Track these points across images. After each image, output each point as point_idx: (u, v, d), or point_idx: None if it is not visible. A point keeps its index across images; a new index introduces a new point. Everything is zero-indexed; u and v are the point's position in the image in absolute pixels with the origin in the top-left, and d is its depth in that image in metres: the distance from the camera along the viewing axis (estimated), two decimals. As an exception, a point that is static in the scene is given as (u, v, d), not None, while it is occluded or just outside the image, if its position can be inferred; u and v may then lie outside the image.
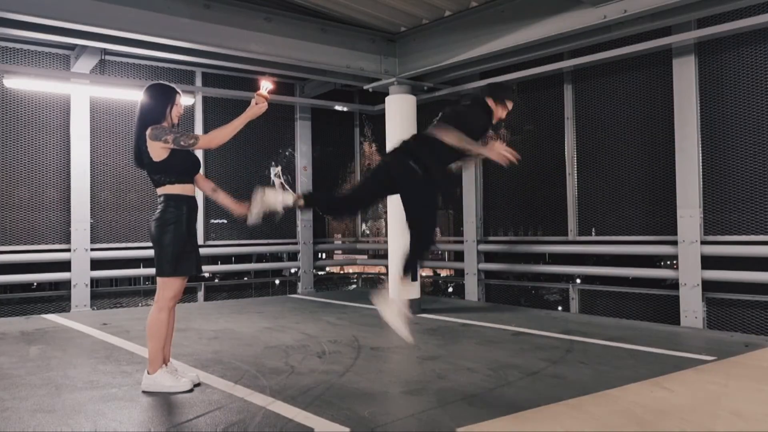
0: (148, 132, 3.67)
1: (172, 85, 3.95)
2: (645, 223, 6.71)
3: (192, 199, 3.84)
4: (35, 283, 7.64)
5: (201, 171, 4.02)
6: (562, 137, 7.44)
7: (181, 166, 3.77)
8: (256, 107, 3.82)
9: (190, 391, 3.77)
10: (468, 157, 4.02)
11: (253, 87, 8.82)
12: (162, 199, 3.76)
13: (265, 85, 3.88)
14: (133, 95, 7.69)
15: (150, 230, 3.78)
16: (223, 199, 4.10)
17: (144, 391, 3.76)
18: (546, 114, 7.68)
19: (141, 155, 3.77)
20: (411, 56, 7.28)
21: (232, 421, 3.24)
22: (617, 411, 3.30)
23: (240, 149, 9.02)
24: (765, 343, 5.21)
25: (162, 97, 3.82)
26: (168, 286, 3.77)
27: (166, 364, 3.85)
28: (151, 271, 8.40)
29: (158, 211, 3.74)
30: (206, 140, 3.74)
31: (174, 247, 3.69)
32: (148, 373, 3.81)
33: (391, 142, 7.39)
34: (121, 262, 7.96)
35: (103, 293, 8.00)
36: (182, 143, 3.66)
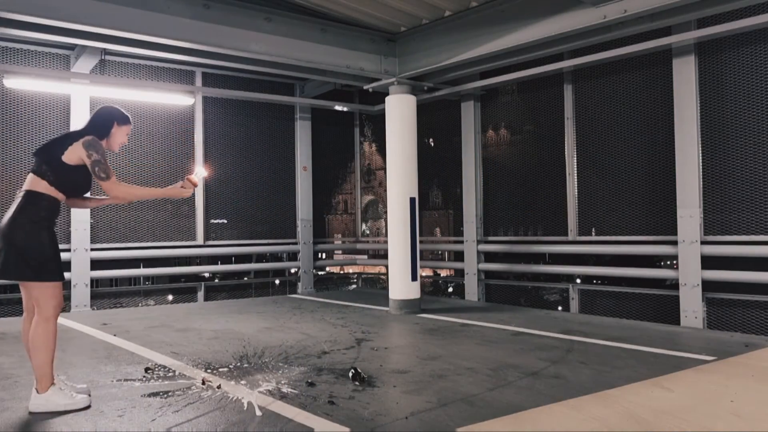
0: (86, 137, 3.48)
1: (130, 119, 3.77)
2: (645, 223, 6.71)
3: (57, 202, 3.49)
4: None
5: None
6: (562, 137, 7.44)
7: (73, 183, 3.51)
8: (179, 190, 3.68)
9: (88, 407, 3.47)
10: None
11: (253, 87, 8.87)
12: (24, 194, 3.40)
13: (200, 172, 3.72)
14: (133, 95, 7.69)
15: (12, 230, 3.33)
16: (92, 203, 3.94)
17: (32, 412, 3.39)
18: (546, 114, 7.68)
19: (54, 146, 3.47)
20: (411, 56, 7.28)
21: (232, 421, 3.24)
22: (617, 411, 3.30)
23: (240, 150, 9.03)
24: (765, 343, 5.21)
25: (118, 125, 3.68)
26: (50, 293, 3.41)
27: (54, 382, 3.46)
28: (153, 270, 8.47)
29: (19, 207, 3.37)
30: (113, 186, 3.52)
31: (50, 247, 3.38)
32: (38, 392, 3.41)
33: (391, 141, 7.40)
34: (121, 262, 7.96)
35: (103, 293, 8.00)
36: (96, 170, 3.45)
